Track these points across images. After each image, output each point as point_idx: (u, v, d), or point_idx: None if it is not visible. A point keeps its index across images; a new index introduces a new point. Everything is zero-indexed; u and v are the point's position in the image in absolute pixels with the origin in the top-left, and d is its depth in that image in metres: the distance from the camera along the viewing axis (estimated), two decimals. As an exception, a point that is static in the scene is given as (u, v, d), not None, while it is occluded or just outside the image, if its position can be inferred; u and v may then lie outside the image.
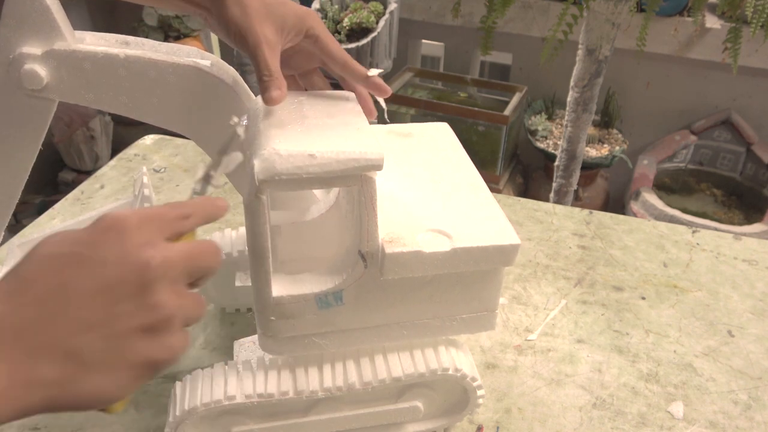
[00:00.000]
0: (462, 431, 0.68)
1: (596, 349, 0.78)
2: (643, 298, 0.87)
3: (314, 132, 0.51)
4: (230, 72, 0.60)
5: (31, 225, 0.97)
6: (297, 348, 0.58)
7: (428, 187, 0.60)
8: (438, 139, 0.68)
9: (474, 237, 0.54)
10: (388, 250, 0.52)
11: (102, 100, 0.58)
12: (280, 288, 0.53)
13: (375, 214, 0.50)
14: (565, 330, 0.81)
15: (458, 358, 0.61)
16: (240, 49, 0.54)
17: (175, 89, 0.58)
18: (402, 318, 0.58)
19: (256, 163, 0.47)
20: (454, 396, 0.65)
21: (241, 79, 0.61)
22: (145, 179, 0.74)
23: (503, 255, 0.54)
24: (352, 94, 0.58)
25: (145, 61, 0.56)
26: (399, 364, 0.59)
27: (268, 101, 0.52)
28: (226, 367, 0.59)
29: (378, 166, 0.48)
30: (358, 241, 0.52)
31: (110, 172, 1.12)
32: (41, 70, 0.54)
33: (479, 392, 0.63)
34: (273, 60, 0.53)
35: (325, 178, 0.48)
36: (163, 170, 1.13)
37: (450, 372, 0.60)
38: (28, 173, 0.62)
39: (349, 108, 0.55)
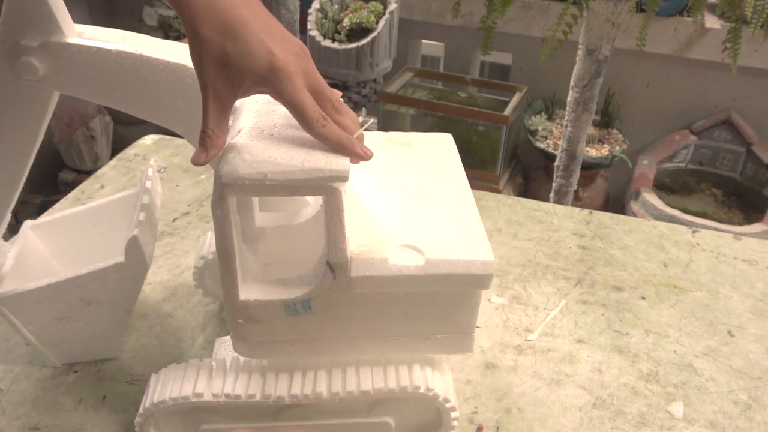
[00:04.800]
0: (462, 431, 0.68)
1: (596, 349, 0.78)
2: (643, 298, 0.87)
3: (286, 140, 0.51)
4: None
5: (31, 225, 0.97)
6: (267, 353, 0.57)
7: (414, 201, 0.59)
8: (437, 151, 0.67)
9: (447, 257, 0.52)
10: (355, 263, 0.51)
11: (96, 94, 0.60)
12: (248, 292, 0.53)
13: (342, 225, 0.49)
14: (565, 330, 0.81)
15: (432, 377, 0.59)
16: None
17: (166, 86, 0.59)
18: (373, 332, 0.57)
19: (220, 167, 0.48)
20: (427, 416, 0.63)
21: None
22: (151, 171, 0.75)
23: (477, 278, 0.53)
24: None
25: (137, 58, 0.57)
26: (370, 378, 0.58)
27: (192, 159, 0.49)
28: (201, 364, 0.60)
29: (343, 178, 0.48)
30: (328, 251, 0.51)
31: (110, 172, 1.12)
32: (37, 62, 0.55)
33: (453, 414, 0.61)
34: (215, 117, 0.49)
35: (289, 186, 0.48)
36: (163, 170, 1.13)
37: (421, 391, 0.58)
38: (31, 159, 0.64)
39: None
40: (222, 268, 0.51)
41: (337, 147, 0.50)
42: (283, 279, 0.54)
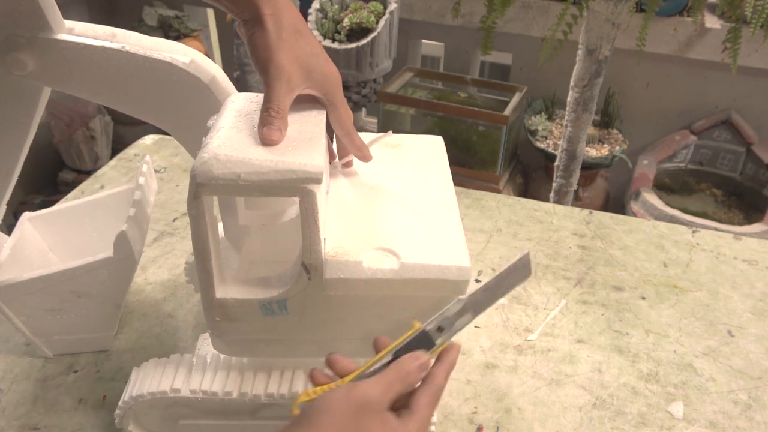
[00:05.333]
0: (462, 431, 0.68)
1: (596, 349, 0.78)
2: (643, 298, 0.87)
3: None
4: (209, 71, 0.60)
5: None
6: (244, 351, 0.57)
7: (397, 204, 0.59)
8: (426, 154, 0.66)
9: (423, 262, 0.52)
10: (330, 265, 0.51)
11: (84, 89, 0.60)
12: (225, 290, 0.53)
13: (317, 227, 0.49)
14: (565, 330, 0.81)
15: None
16: (258, 71, 0.53)
17: (151, 83, 0.59)
18: (350, 335, 0.56)
19: (195, 166, 0.48)
20: None
21: (224, 78, 0.62)
22: (145, 168, 0.76)
23: (453, 283, 0.52)
24: (323, 110, 0.57)
25: (123, 55, 0.57)
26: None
27: (265, 138, 0.50)
28: (182, 359, 0.60)
29: (317, 180, 0.48)
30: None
31: (110, 172, 1.12)
32: (25, 57, 0.56)
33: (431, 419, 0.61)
34: (286, 99, 0.52)
35: (262, 187, 0.48)
36: (163, 170, 1.13)
37: None
38: (24, 154, 0.64)
39: (312, 120, 0.55)
40: (198, 266, 0.51)
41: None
42: (261, 278, 0.54)
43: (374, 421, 0.43)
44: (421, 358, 0.47)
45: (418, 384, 0.47)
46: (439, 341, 0.48)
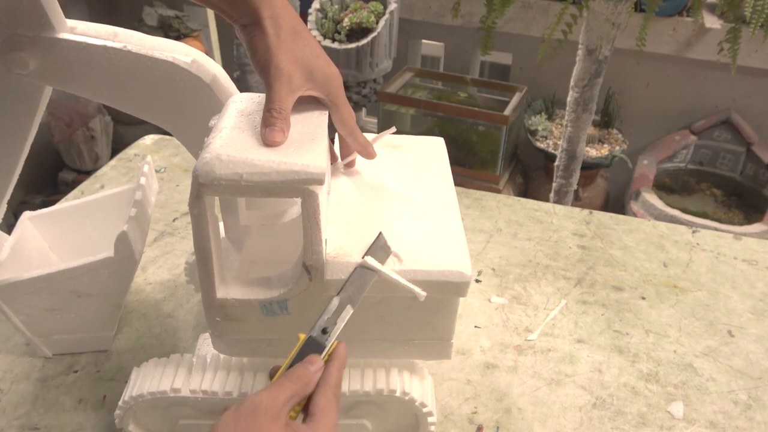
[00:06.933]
0: (462, 431, 0.68)
1: (596, 349, 0.78)
2: (643, 298, 0.87)
3: None
4: (210, 71, 0.60)
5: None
6: (245, 351, 0.57)
7: (398, 205, 0.59)
8: (427, 155, 0.66)
9: (424, 263, 0.52)
10: (331, 266, 0.51)
11: (85, 89, 0.60)
12: (225, 291, 0.53)
13: (318, 228, 0.49)
14: (565, 330, 0.81)
15: (410, 381, 0.59)
16: (258, 73, 0.53)
17: (152, 83, 0.59)
18: (350, 335, 0.56)
19: (197, 167, 0.48)
20: (405, 419, 0.63)
21: (225, 78, 0.62)
22: (146, 168, 0.75)
23: (453, 285, 0.52)
24: (325, 111, 0.57)
25: (124, 54, 0.57)
26: (346, 380, 0.58)
27: (267, 139, 0.50)
28: (182, 359, 0.60)
29: (319, 181, 0.48)
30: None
31: (110, 172, 1.12)
32: (27, 56, 0.55)
33: (430, 419, 0.61)
34: (287, 100, 0.52)
35: (264, 188, 0.48)
36: (163, 170, 1.13)
37: (397, 394, 0.58)
38: (25, 153, 0.64)
39: (314, 121, 0.55)
40: (199, 266, 0.51)
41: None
42: (261, 279, 0.54)
43: (274, 426, 0.43)
44: (314, 362, 0.47)
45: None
46: (327, 343, 0.49)
